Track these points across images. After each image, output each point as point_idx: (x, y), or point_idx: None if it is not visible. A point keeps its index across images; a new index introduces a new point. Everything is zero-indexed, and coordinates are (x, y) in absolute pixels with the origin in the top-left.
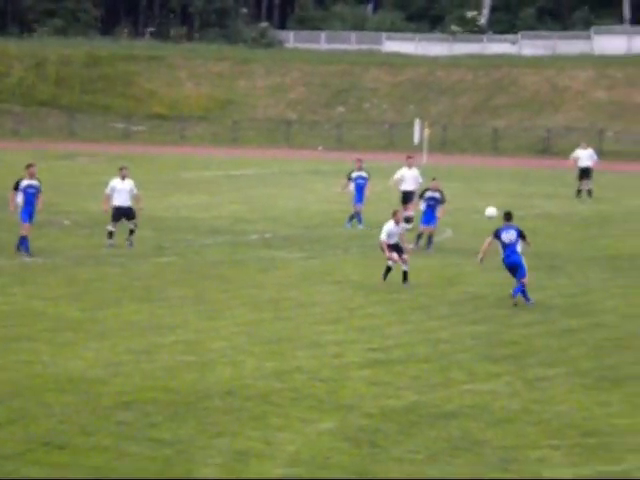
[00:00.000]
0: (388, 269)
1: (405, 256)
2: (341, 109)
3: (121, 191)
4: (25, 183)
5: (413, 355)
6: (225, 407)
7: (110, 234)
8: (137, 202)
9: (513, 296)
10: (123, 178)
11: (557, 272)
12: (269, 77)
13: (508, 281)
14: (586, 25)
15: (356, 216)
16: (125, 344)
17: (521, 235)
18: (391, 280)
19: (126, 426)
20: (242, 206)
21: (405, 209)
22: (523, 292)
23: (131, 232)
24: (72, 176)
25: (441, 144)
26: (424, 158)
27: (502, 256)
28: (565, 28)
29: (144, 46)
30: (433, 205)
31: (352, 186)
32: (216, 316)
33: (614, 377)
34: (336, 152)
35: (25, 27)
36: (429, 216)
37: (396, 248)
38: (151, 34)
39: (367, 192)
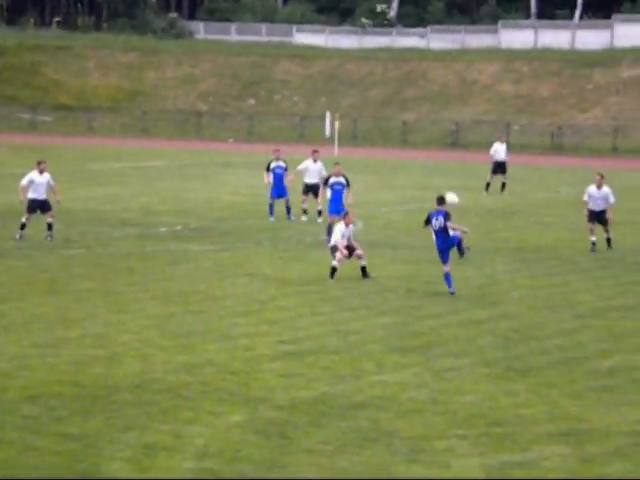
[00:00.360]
0: (334, 269)
1: (359, 252)
2: (252, 101)
3: (38, 185)
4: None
5: (324, 347)
6: (134, 401)
7: (23, 226)
8: (55, 194)
9: (451, 291)
10: (41, 172)
11: (464, 263)
12: (179, 68)
13: (417, 273)
14: (494, 19)
15: (269, 208)
16: (30, 338)
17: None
18: (303, 273)
19: (32, 420)
20: (152, 198)
21: (303, 200)
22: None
23: (49, 226)
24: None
25: (352, 137)
26: (335, 150)
27: (436, 242)
28: (473, 22)
29: (51, 36)
30: (339, 190)
31: (271, 177)
32: (124, 309)
33: (520, 367)
34: (247, 144)
35: None
36: (337, 203)
37: (348, 248)
38: (58, 24)
39: (286, 182)
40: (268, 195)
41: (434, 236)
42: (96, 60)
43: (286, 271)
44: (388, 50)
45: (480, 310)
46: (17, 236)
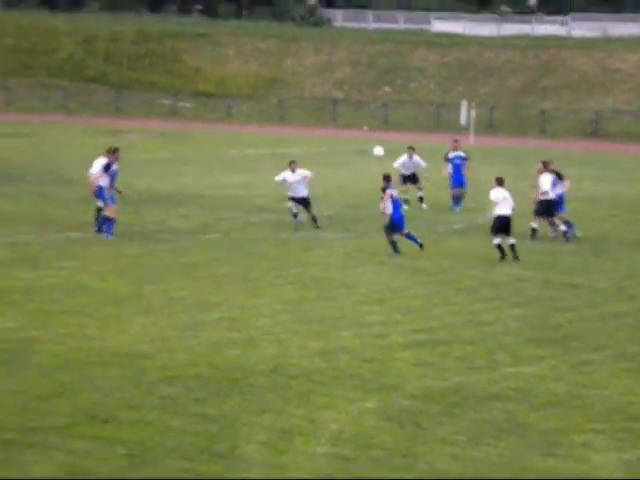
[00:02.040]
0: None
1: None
2: (387, 89)
3: (293, 182)
4: (114, 167)
5: (457, 337)
6: (269, 384)
7: (295, 215)
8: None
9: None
10: (293, 171)
11: (603, 256)
12: (316, 56)
13: (554, 263)
14: (638, 7)
15: (454, 199)
16: (170, 320)
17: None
18: (437, 263)
19: (170, 401)
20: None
21: (405, 191)
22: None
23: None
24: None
25: (488, 125)
26: (471, 139)
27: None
28: (617, 10)
29: (192, 23)
30: (459, 164)
31: (450, 167)
32: (260, 294)
33: None
34: (382, 132)
35: (74, 3)
36: (459, 176)
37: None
38: (199, 11)
39: (466, 172)
40: (449, 185)
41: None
42: (236, 47)
43: (419, 260)
44: (527, 38)
45: (619, 303)
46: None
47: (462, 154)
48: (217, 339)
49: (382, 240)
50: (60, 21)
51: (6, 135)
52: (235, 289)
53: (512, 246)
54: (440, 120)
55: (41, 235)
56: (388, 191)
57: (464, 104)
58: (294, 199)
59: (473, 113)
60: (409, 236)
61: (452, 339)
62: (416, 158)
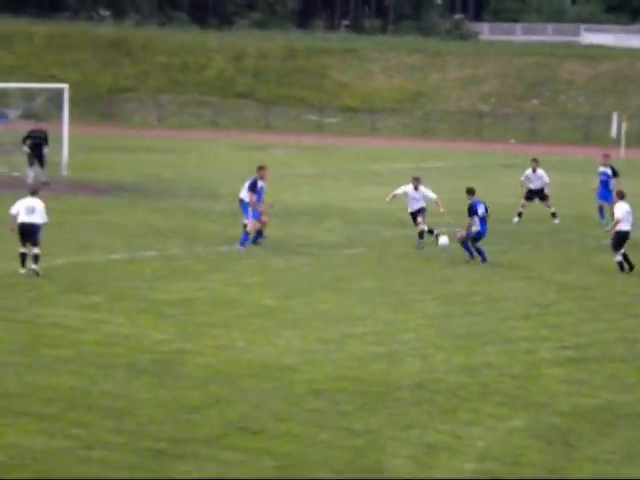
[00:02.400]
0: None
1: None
2: (535, 102)
3: (412, 199)
4: (260, 184)
5: (608, 354)
6: (415, 399)
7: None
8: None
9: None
10: (416, 188)
11: None
12: (462, 69)
13: None
14: None
15: (598, 210)
16: (316, 333)
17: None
18: (586, 278)
19: (318, 414)
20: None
21: (523, 205)
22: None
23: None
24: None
25: (639, 138)
26: (622, 152)
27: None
28: None
29: (339, 39)
30: (605, 180)
31: (597, 182)
32: (404, 309)
33: None
34: (528, 145)
35: (225, 20)
36: (604, 191)
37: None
38: (346, 27)
39: (614, 188)
40: (596, 198)
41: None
42: (381, 62)
43: (567, 274)
44: None
45: None
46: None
47: (609, 171)
48: (362, 353)
49: (527, 254)
50: (211, 38)
51: (158, 151)
52: (379, 303)
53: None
54: (589, 133)
55: (191, 249)
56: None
57: (615, 116)
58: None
59: (624, 126)
60: (478, 249)
61: (603, 356)
62: (540, 172)
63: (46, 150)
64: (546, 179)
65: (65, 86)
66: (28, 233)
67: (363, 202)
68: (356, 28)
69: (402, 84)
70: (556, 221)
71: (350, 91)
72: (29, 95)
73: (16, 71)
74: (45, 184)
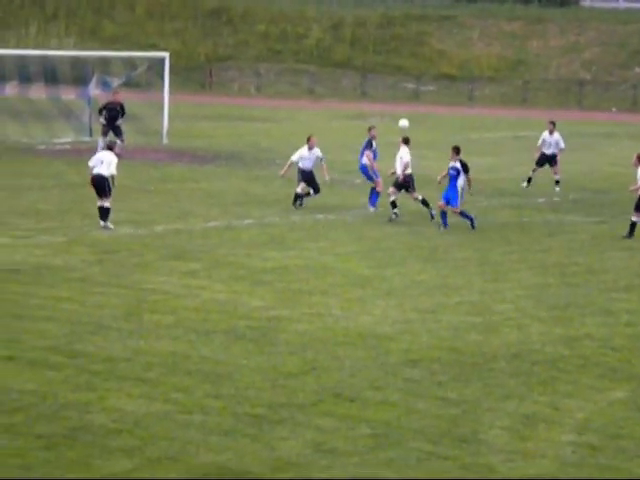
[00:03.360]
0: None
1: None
2: (638, 70)
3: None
4: (374, 145)
5: None
6: (511, 370)
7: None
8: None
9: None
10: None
11: None
12: (563, 37)
13: None
14: None
15: None
16: (411, 303)
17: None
18: None
19: (413, 383)
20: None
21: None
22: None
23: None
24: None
25: None
26: None
27: None
28: None
29: (437, 6)
30: None
31: None
32: (501, 278)
33: None
34: (630, 114)
35: None
36: None
37: None
38: None
39: None
40: None
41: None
42: (480, 30)
43: None
44: None
45: None
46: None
47: None
48: (458, 323)
49: (626, 225)
50: (309, 7)
51: (256, 119)
52: (475, 273)
53: None
54: None
55: (288, 217)
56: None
57: None
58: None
59: None
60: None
61: None
62: (556, 136)
63: (120, 122)
64: (562, 144)
65: (166, 55)
66: (97, 185)
67: None
68: None
69: (501, 52)
70: (557, 189)
71: (448, 59)
72: (131, 64)
73: (118, 40)
74: (119, 155)
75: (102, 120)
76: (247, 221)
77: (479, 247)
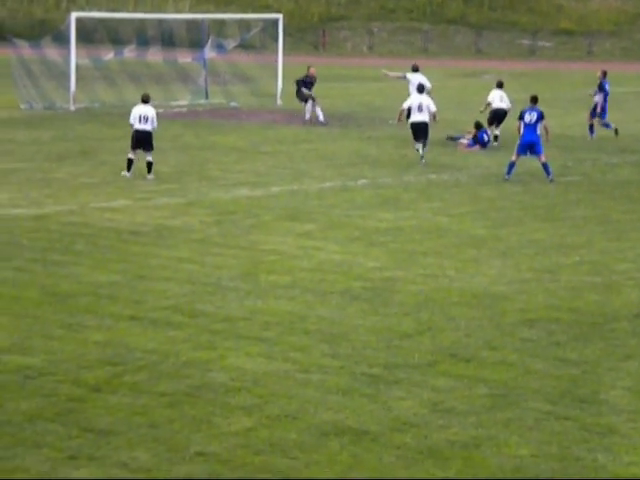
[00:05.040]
0: None
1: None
2: None
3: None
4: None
5: None
6: (633, 330)
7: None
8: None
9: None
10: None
11: None
12: None
13: None
14: None
15: None
16: (528, 262)
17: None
18: None
19: (531, 343)
20: None
21: None
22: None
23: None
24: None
25: None
26: None
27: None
28: None
29: None
30: None
31: None
32: (622, 237)
33: None
34: None
35: None
36: None
37: None
38: None
39: None
40: None
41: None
42: None
43: None
44: None
45: None
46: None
47: None
48: (577, 283)
49: None
50: None
51: (369, 79)
52: (595, 232)
53: None
54: None
55: (402, 177)
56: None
57: None
58: None
59: None
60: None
61: None
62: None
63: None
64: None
65: (279, 16)
66: (142, 140)
67: (578, 129)
68: None
69: (620, 5)
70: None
71: (565, 13)
72: (245, 25)
73: (233, 2)
74: (323, 124)
75: (306, 91)
76: (361, 182)
77: (599, 205)
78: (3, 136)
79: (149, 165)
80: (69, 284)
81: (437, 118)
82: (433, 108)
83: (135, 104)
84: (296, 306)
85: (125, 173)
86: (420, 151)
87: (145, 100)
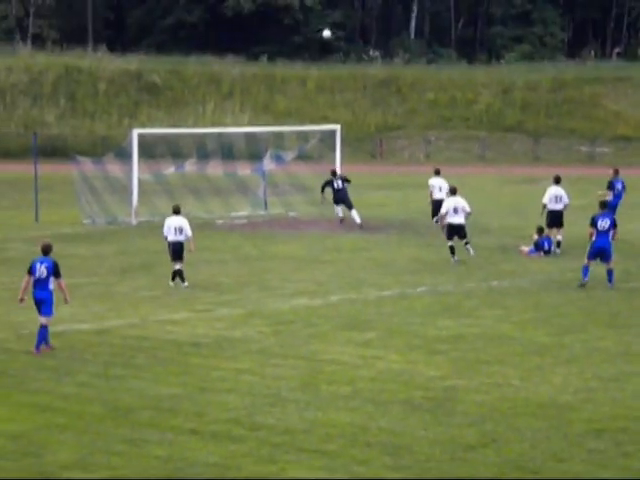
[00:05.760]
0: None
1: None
2: None
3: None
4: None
5: None
6: None
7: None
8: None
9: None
10: None
11: None
12: None
13: None
14: None
15: None
16: (593, 370)
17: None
18: None
19: (599, 454)
20: None
21: None
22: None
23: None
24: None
25: None
26: None
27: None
28: None
29: (611, 67)
30: None
31: None
32: None
33: None
34: None
35: (493, 54)
36: None
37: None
38: (618, 55)
39: None
40: None
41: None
42: None
43: None
44: None
45: None
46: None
47: None
48: None
49: None
50: (479, 73)
51: (426, 187)
52: None
53: None
54: None
55: (462, 284)
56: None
57: None
58: None
59: None
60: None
61: None
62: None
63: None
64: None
65: (337, 127)
66: (177, 251)
67: (638, 234)
68: (629, 56)
69: None
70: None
71: (623, 120)
72: (303, 137)
73: (291, 114)
74: (360, 227)
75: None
76: (420, 289)
77: None
78: (67, 251)
79: (181, 274)
80: (131, 398)
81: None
82: (468, 209)
83: (196, 216)
84: (357, 417)
85: (171, 283)
86: (470, 251)
87: (176, 211)
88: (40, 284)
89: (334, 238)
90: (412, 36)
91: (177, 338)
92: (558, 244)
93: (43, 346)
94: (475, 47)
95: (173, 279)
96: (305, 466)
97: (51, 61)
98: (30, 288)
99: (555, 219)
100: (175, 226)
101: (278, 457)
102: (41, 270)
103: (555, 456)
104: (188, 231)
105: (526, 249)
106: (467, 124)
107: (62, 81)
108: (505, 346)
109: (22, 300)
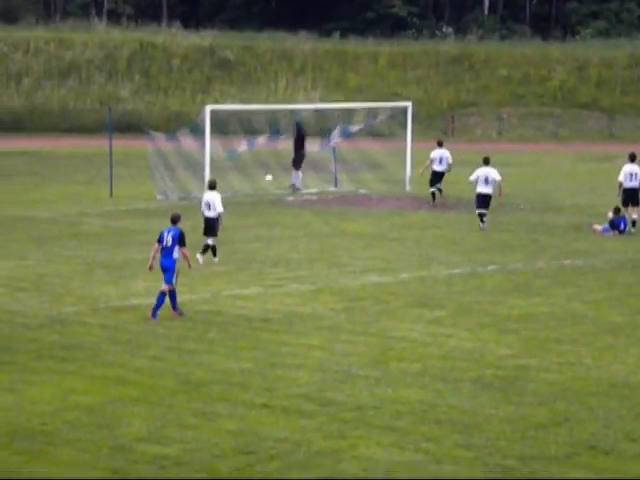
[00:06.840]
0: None
1: None
2: None
3: None
4: None
5: None
6: None
7: None
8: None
9: None
10: None
11: None
12: None
13: None
14: None
15: None
16: None
17: None
18: None
19: None
20: None
21: None
22: None
23: None
24: (611, 178)
25: None
26: None
27: None
28: None
29: None
30: None
31: None
32: None
33: None
34: None
35: (568, 30)
36: None
37: None
38: None
39: None
40: None
41: None
42: None
43: None
44: None
45: None
46: None
47: None
48: None
49: None
50: (553, 49)
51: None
52: None
53: None
54: None
55: (533, 263)
56: None
57: None
58: None
59: None
60: None
61: None
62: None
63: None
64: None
65: (409, 104)
66: (208, 227)
67: None
68: None
69: None
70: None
71: None
72: (373, 114)
73: (362, 91)
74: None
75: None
76: (491, 267)
77: None
78: (140, 227)
79: (213, 249)
80: (202, 372)
81: (502, 189)
82: (498, 178)
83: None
84: (427, 394)
85: (198, 256)
86: (483, 221)
87: (212, 186)
88: (166, 252)
89: (404, 216)
90: (485, 12)
91: (248, 313)
92: (633, 223)
93: (172, 312)
94: (550, 23)
95: (203, 252)
96: (375, 442)
97: (126, 37)
98: (157, 256)
99: (630, 197)
100: (208, 201)
101: (348, 433)
102: (167, 239)
103: (628, 436)
104: (218, 207)
105: (599, 227)
106: (541, 101)
107: (137, 57)
108: (577, 325)
109: (151, 267)
